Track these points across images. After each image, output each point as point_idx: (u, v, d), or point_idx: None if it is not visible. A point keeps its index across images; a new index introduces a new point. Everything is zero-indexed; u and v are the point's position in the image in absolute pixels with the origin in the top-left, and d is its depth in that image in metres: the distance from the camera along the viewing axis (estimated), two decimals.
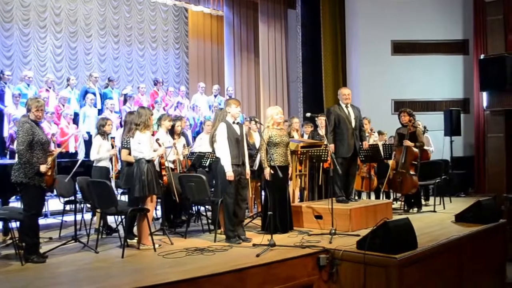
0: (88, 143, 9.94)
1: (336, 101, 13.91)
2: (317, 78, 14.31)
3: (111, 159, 7.30)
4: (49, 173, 5.47)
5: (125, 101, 11.29)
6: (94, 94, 10.80)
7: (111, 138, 7.48)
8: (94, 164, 7.17)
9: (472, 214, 7.31)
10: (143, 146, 6.01)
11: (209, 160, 7.94)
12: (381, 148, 8.86)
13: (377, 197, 9.56)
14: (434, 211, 8.44)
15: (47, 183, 5.47)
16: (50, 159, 5.49)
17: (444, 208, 8.78)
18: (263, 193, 7.97)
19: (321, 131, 8.50)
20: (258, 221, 7.46)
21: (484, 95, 12.05)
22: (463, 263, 6.32)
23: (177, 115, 9.88)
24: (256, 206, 8.66)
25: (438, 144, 11.27)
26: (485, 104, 12.10)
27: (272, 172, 6.46)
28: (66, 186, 6.88)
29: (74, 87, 11.08)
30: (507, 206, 10.55)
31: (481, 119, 12.47)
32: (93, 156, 7.14)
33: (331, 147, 7.38)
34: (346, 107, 7.64)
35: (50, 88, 10.60)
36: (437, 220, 7.41)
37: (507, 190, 11.36)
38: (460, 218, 7.44)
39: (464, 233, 6.54)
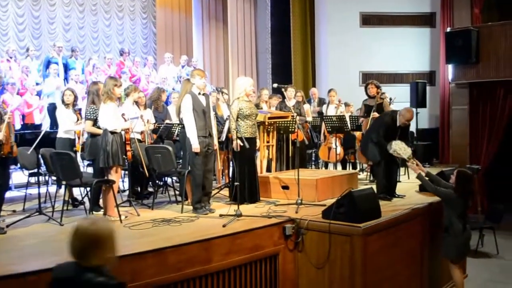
0: (52, 115, 9.73)
1: (304, 72, 14.08)
2: (286, 49, 14.26)
3: (74, 130, 7.16)
4: (5, 141, 5.39)
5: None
6: (57, 64, 10.54)
7: (77, 110, 7.34)
8: (58, 136, 7.05)
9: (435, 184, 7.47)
10: (106, 117, 5.92)
11: (176, 131, 7.89)
12: (347, 119, 8.94)
13: (344, 168, 9.68)
14: (399, 181, 8.58)
15: (5, 151, 5.38)
16: (1, 126, 5.38)
17: (408, 178, 8.94)
18: (231, 164, 7.98)
19: (289, 103, 8.52)
20: (226, 192, 7.50)
21: (450, 67, 12.21)
22: (425, 231, 6.50)
23: (159, 87, 9.67)
24: (224, 177, 8.69)
25: None
26: (450, 76, 12.27)
27: (241, 144, 6.48)
28: (29, 158, 6.75)
29: (35, 57, 10.79)
30: None
31: (446, 92, 12.66)
32: (64, 127, 7.00)
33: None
34: (399, 127, 6.98)
35: (11, 58, 10.30)
36: (402, 190, 7.54)
37: (470, 161, 11.65)
38: (424, 188, 7.61)
39: (427, 202, 6.70)
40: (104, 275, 2.67)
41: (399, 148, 6.60)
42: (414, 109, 7.12)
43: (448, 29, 12.12)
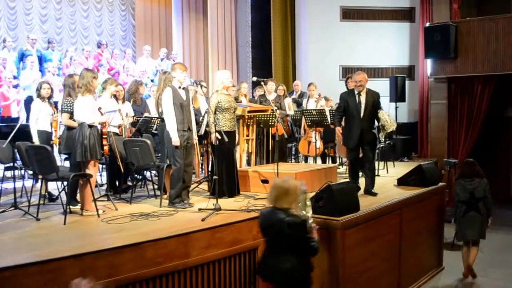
0: (28, 108, 9.57)
1: (284, 66, 14.09)
2: (266, 43, 14.25)
3: (51, 123, 7.04)
4: None
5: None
6: (32, 56, 10.33)
7: (53, 103, 7.22)
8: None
9: (413, 178, 7.57)
10: (84, 110, 5.83)
11: (155, 124, 7.82)
12: (327, 114, 8.96)
13: (323, 162, 9.71)
14: (378, 175, 8.62)
15: None
16: None
17: (387, 172, 9.03)
18: (210, 157, 7.94)
19: (269, 96, 8.51)
20: (205, 186, 7.46)
21: (429, 62, 12.31)
22: (403, 224, 6.57)
23: (137, 79, 9.56)
24: (203, 171, 8.65)
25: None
26: (429, 71, 12.36)
27: (219, 137, 6.45)
28: (4, 151, 6.63)
29: (12, 49, 10.58)
30: (447, 170, 10.97)
31: (425, 86, 12.77)
32: (32, 122, 6.88)
33: (338, 129, 7.08)
34: (359, 94, 7.01)
35: None
36: (380, 184, 7.60)
37: (448, 155, 11.79)
38: (402, 182, 7.69)
39: (405, 196, 6.77)
40: (291, 215, 4.12)
41: (384, 119, 6.78)
42: (364, 73, 7.19)
43: (427, 24, 12.20)
